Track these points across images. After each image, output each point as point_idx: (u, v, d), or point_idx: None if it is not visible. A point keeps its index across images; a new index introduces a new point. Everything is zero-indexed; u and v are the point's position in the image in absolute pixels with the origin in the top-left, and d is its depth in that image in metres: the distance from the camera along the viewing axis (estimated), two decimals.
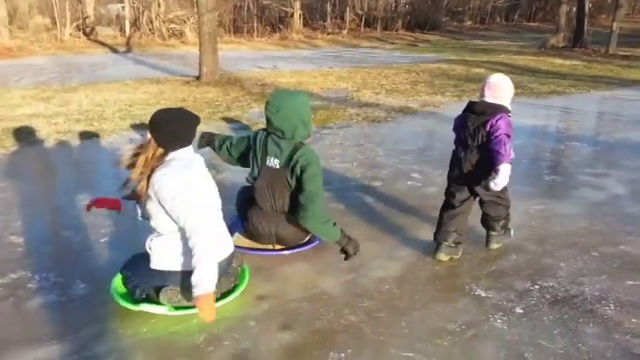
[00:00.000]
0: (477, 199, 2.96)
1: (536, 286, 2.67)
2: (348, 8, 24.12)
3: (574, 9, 18.47)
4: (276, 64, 12.86)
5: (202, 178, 2.37)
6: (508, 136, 2.68)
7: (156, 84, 9.13)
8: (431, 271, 2.85)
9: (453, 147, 3.02)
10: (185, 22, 19.24)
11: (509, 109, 2.82)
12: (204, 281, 2.10)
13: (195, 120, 2.38)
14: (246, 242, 3.05)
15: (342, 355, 2.14)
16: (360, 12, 25.38)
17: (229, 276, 2.47)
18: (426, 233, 3.22)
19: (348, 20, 23.88)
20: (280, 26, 22.30)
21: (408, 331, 2.30)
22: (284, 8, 22.43)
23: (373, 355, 2.14)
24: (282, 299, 2.55)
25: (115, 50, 15.62)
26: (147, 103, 7.42)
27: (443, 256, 2.93)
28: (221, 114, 6.94)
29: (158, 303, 2.32)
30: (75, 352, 2.11)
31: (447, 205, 3.00)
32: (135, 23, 19.26)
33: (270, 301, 2.53)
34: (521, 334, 2.27)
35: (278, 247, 3.02)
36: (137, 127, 6.09)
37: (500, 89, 2.81)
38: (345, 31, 22.96)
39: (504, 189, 2.81)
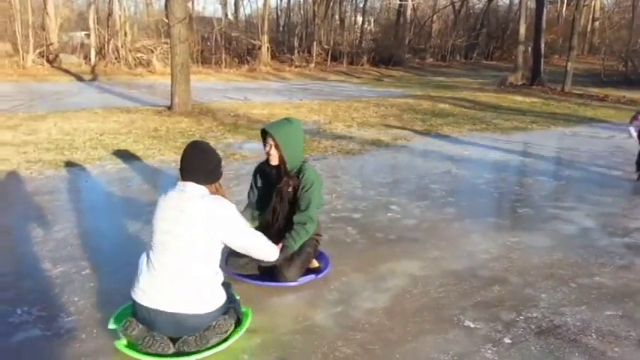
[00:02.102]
0: None
1: (521, 317, 2.74)
2: (314, 42, 24.68)
3: (529, 49, 19.52)
4: (246, 95, 12.96)
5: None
6: None
7: (126, 113, 9.03)
8: (418, 302, 2.88)
9: None
10: (152, 51, 19.22)
11: None
12: None
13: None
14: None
15: None
16: (326, 46, 26.00)
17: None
18: (410, 265, 3.28)
19: (314, 54, 24.39)
20: (248, 58, 22.56)
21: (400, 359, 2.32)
22: (252, 41, 22.76)
23: None
24: (275, 332, 2.52)
25: (80, 78, 15.40)
26: (118, 133, 7.32)
27: None
28: None
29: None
30: None
31: None
32: (100, 51, 19.09)
33: (262, 334, 2.50)
34: None
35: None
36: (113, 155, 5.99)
37: None
38: (312, 65, 23.42)
39: None
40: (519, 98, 14.39)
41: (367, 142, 7.45)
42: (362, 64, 25.11)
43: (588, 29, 35.02)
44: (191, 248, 2.28)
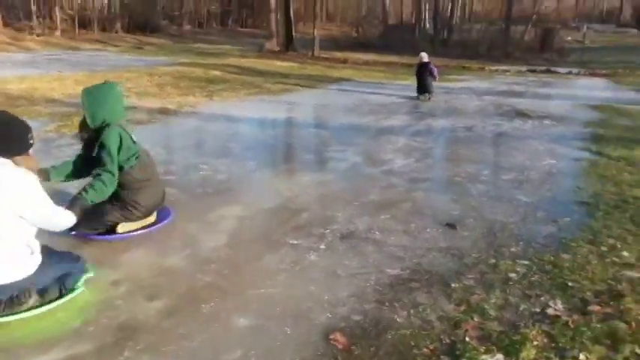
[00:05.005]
0: None
1: (327, 230, 3.60)
2: (56, 7, 22.12)
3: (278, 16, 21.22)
4: None
5: None
6: None
7: None
8: (250, 234, 3.49)
9: None
10: None
11: None
12: None
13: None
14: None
15: (212, 304, 2.63)
16: (70, 11, 23.55)
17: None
18: (233, 209, 3.88)
19: (58, 20, 21.91)
20: None
21: (251, 275, 2.92)
22: None
23: (234, 299, 2.69)
24: (137, 280, 2.84)
25: None
26: None
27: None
28: None
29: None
30: None
31: None
32: None
33: (126, 283, 2.79)
34: (330, 261, 3.15)
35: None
36: None
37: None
38: (57, 33, 21.07)
39: None
40: (279, 63, 15.81)
41: (154, 111, 7.57)
42: (116, 31, 23.63)
43: None
44: None
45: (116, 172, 3.23)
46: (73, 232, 3.10)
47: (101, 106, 3.24)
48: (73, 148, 3.49)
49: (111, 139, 3.22)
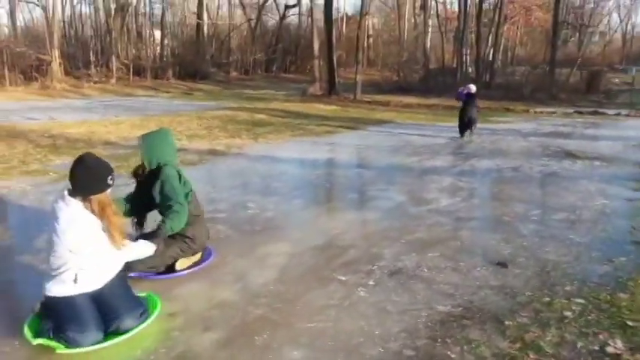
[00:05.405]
0: None
1: (375, 267, 3.62)
2: (113, 57, 23.60)
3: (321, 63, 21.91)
4: (50, 114, 12.06)
5: None
6: None
7: None
8: (298, 270, 3.55)
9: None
10: None
11: None
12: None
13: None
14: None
15: (264, 336, 2.69)
16: (125, 61, 25.04)
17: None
18: (281, 246, 3.96)
19: (114, 69, 23.33)
20: (36, 75, 20.52)
21: (301, 309, 2.97)
22: (42, 56, 20.75)
23: (285, 332, 2.74)
24: (192, 312, 2.94)
25: None
26: None
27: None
28: (19, 169, 6.50)
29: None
30: None
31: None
32: None
33: (182, 315, 2.90)
34: (379, 297, 3.16)
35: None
36: None
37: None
38: (113, 80, 22.39)
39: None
40: (322, 106, 16.19)
41: (203, 152, 7.88)
42: (167, 79, 24.89)
43: (365, 45, 40.19)
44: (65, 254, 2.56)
45: (184, 202, 3.38)
46: (132, 274, 3.23)
47: (156, 150, 3.46)
48: (130, 187, 3.71)
49: (171, 176, 3.42)
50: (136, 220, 3.62)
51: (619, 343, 2.48)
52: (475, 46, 25.12)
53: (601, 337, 2.56)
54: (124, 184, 4.01)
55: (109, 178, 2.68)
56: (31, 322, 2.65)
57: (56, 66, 20.46)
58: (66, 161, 7.07)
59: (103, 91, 19.56)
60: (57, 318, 2.56)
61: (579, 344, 2.50)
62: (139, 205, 3.58)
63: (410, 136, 10.46)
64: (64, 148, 7.96)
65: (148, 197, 3.46)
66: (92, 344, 2.51)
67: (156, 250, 3.10)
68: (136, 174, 3.62)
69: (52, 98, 16.72)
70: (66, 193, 2.62)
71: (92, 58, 23.26)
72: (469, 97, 9.96)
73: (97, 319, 2.58)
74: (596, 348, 2.46)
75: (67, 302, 2.57)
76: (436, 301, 3.04)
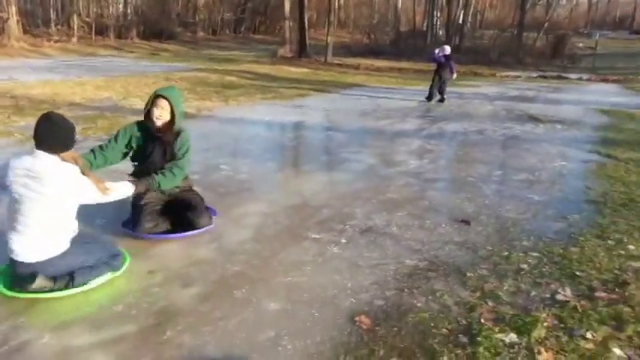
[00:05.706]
0: None
1: (347, 225, 3.79)
2: (74, 15, 22.62)
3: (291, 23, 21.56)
4: (10, 75, 11.63)
5: None
6: None
7: None
8: (274, 229, 3.69)
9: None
10: None
11: None
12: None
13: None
14: None
15: (243, 290, 2.83)
16: (87, 19, 24.04)
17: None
18: (256, 206, 4.07)
19: (76, 28, 22.39)
20: None
21: (278, 265, 3.12)
22: None
23: (263, 286, 2.88)
24: (171, 270, 3.04)
25: None
26: None
27: None
28: None
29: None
30: None
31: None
32: None
33: (161, 273, 2.99)
34: (351, 253, 3.33)
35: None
36: None
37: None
38: (74, 39, 21.52)
39: None
40: (292, 69, 16.07)
41: None
42: (132, 38, 24.08)
43: (336, 6, 39.59)
44: (41, 207, 2.61)
45: (185, 171, 3.60)
46: (145, 235, 3.37)
47: (181, 108, 3.56)
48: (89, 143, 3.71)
49: (189, 142, 3.59)
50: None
51: (568, 291, 2.73)
52: (446, 8, 25.09)
53: (552, 286, 2.82)
54: (91, 147, 3.97)
55: (75, 134, 2.76)
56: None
57: (14, 23, 19.47)
58: (30, 122, 6.90)
59: (64, 51, 18.83)
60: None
61: (533, 293, 2.74)
62: (142, 165, 3.58)
63: (380, 99, 10.58)
64: (27, 109, 7.76)
65: (164, 155, 3.51)
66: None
67: (134, 192, 3.19)
68: (158, 129, 3.49)
69: (11, 57, 16.03)
70: (38, 150, 2.62)
71: (52, 15, 22.24)
72: (442, 63, 10.10)
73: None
74: (548, 296, 2.71)
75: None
76: (404, 256, 3.23)
